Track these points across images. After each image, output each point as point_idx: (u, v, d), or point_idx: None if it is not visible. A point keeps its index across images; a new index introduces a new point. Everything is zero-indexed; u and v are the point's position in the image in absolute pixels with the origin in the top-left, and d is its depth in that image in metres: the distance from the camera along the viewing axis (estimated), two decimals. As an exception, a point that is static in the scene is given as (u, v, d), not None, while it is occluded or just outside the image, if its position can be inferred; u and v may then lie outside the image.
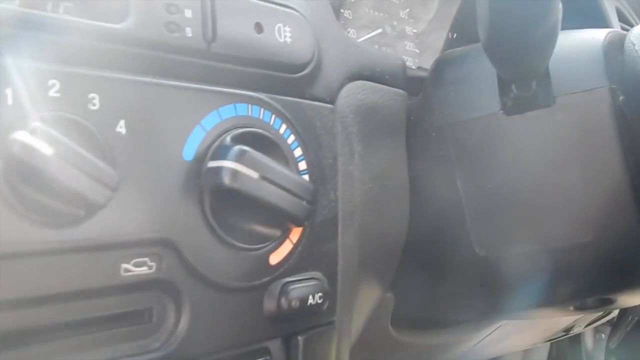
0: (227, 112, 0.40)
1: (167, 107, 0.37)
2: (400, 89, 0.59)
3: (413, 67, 0.89)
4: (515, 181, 0.55)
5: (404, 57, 0.87)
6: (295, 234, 0.43)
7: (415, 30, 0.90)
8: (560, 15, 0.43)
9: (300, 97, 0.46)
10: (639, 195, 0.51)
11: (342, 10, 0.81)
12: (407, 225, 0.57)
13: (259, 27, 0.42)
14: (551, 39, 0.45)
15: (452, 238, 0.57)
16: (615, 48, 0.54)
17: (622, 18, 0.86)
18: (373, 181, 0.54)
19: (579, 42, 0.54)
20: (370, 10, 0.85)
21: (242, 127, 0.40)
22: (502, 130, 0.55)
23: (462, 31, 0.96)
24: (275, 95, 0.44)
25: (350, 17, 0.82)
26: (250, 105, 0.41)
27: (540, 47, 0.45)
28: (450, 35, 0.92)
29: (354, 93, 0.52)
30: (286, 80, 0.45)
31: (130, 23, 0.36)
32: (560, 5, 0.42)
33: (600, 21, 0.84)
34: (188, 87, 0.38)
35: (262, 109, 0.42)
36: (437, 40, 0.94)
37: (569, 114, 0.53)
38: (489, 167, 0.56)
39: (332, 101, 0.49)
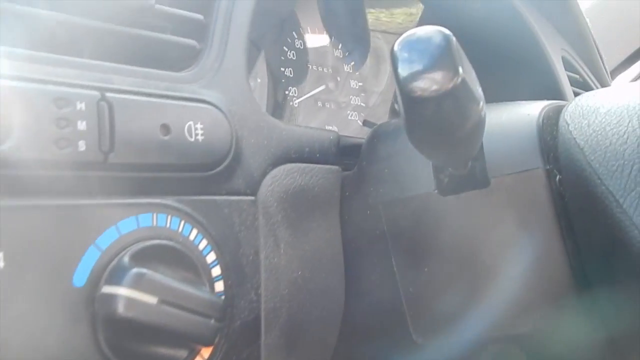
0: (128, 225, 0.37)
1: (55, 230, 0.34)
2: (333, 164, 0.56)
3: (359, 121, 0.87)
4: (452, 265, 0.53)
5: (349, 112, 0.85)
6: (207, 349, 0.40)
7: (360, 84, 0.89)
8: (483, 113, 0.41)
9: (215, 195, 0.43)
10: (579, 284, 0.49)
11: (282, 69, 0.79)
12: (342, 312, 0.54)
13: (165, 129, 0.39)
14: (476, 135, 0.43)
15: (389, 324, 0.54)
16: (550, 124, 0.53)
17: (569, 67, 0.86)
18: (303, 267, 0.51)
19: (514, 120, 0.53)
20: (313, 66, 0.83)
21: (144, 241, 0.37)
22: (437, 211, 0.53)
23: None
24: (187, 197, 0.41)
25: (291, 75, 0.80)
26: (155, 215, 0.38)
27: (464, 144, 0.44)
28: (395, 105, 0.90)
29: (280, 179, 0.49)
30: (199, 179, 0.42)
31: (12, 144, 0.32)
32: (482, 103, 0.40)
33: (548, 75, 0.83)
34: (80, 204, 0.35)
35: (169, 217, 0.39)
36: (386, 92, 0.92)
37: (505, 195, 0.51)
38: (424, 248, 0.54)
39: (253, 192, 0.47)
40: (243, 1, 0.49)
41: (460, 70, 0.36)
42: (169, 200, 0.39)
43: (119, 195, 0.37)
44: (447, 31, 0.37)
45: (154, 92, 0.40)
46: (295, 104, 0.79)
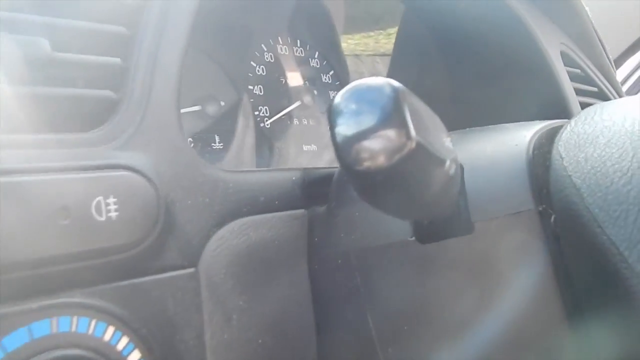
0: (16, 340, 0.30)
1: None
2: (298, 208, 0.49)
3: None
4: (434, 322, 0.46)
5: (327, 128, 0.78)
6: None
7: (341, 94, 0.81)
8: (452, 171, 0.34)
9: (140, 276, 0.36)
10: (575, 329, 0.42)
11: (250, 87, 0.71)
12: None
13: (64, 212, 0.32)
14: (448, 194, 0.36)
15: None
16: (542, 155, 0.45)
17: (568, 61, 0.78)
18: (265, 334, 0.45)
19: (501, 152, 0.45)
20: (286, 81, 0.75)
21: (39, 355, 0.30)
22: (416, 261, 0.46)
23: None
24: (100, 287, 0.34)
25: (261, 93, 0.72)
26: (54, 319, 0.32)
27: (433, 205, 0.36)
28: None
29: (228, 240, 0.43)
30: (116, 263, 0.35)
31: None
32: (449, 162, 0.33)
33: (546, 72, 0.75)
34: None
35: (74, 318, 0.33)
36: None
37: (492, 241, 0.44)
38: (402, 298, 0.47)
39: (192, 263, 0.40)
40: (172, 34, 0.42)
41: (412, 132, 0.28)
42: (75, 297, 0.33)
43: (10, 299, 0.31)
44: (395, 83, 0.29)
45: (50, 167, 0.33)
46: (267, 124, 0.72)
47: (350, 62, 0.81)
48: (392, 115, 0.28)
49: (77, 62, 0.37)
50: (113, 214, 0.34)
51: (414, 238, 0.46)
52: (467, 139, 0.48)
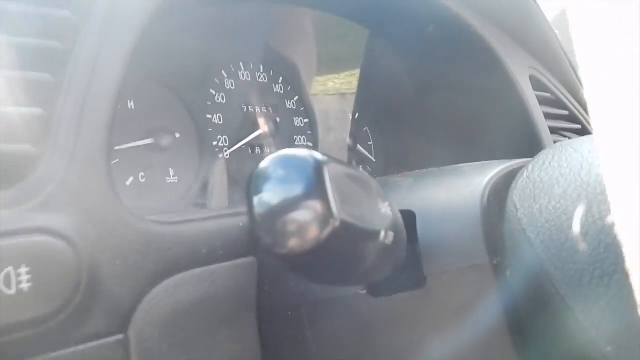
0: None
1: None
2: (246, 256, 0.46)
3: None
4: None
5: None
6: None
7: (306, 120, 0.78)
8: (388, 240, 0.31)
9: (62, 348, 0.34)
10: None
11: (208, 116, 0.69)
12: None
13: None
14: (388, 261, 0.34)
15: None
16: (498, 204, 0.43)
17: (538, 86, 0.76)
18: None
19: (455, 200, 0.43)
20: (247, 108, 0.73)
21: None
22: (368, 314, 0.44)
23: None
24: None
25: (220, 122, 0.70)
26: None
27: (374, 273, 0.34)
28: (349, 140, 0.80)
29: (163, 299, 0.40)
30: (31, 337, 0.32)
31: None
32: (384, 232, 0.30)
33: (514, 98, 0.73)
34: None
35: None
36: (341, 124, 0.82)
37: (445, 294, 0.42)
38: (352, 352, 0.45)
39: (121, 329, 0.37)
40: (103, 77, 0.39)
41: (335, 210, 0.26)
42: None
43: None
44: (318, 156, 0.27)
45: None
46: (226, 155, 0.69)
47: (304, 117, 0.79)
48: (313, 193, 0.26)
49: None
50: (25, 285, 0.31)
51: (365, 291, 0.44)
52: (421, 183, 0.46)
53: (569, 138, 0.77)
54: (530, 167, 0.43)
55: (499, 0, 0.71)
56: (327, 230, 0.25)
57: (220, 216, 0.45)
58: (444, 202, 0.43)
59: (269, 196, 0.26)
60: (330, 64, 0.82)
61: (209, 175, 0.66)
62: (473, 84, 0.74)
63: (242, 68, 0.73)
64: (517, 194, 0.41)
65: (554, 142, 0.73)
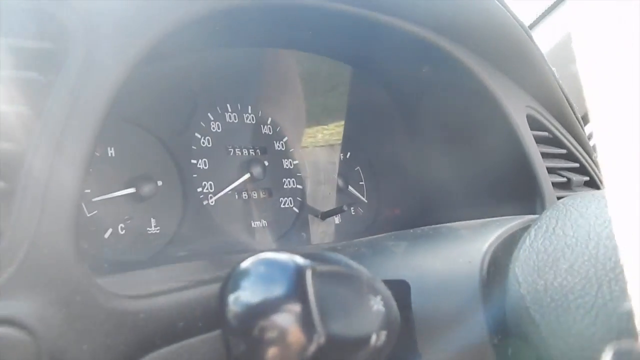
0: None
1: None
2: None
3: (295, 208, 0.74)
4: None
5: (282, 199, 0.72)
6: None
7: (296, 162, 0.76)
8: (381, 342, 0.28)
9: None
10: None
11: (193, 161, 0.66)
12: None
13: None
14: (383, 353, 0.30)
15: None
16: (497, 274, 0.40)
17: (535, 124, 0.74)
18: None
19: (451, 271, 0.40)
20: (234, 151, 0.70)
21: None
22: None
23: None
24: None
25: (206, 167, 0.67)
26: None
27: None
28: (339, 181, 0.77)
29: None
30: None
31: None
32: (375, 336, 0.27)
33: (511, 138, 0.70)
34: None
35: None
36: (331, 164, 0.79)
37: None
38: None
39: None
40: (70, 146, 0.36)
41: (318, 324, 0.23)
42: None
43: None
44: (300, 261, 0.24)
45: None
46: (211, 202, 0.66)
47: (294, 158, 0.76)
48: (294, 305, 0.23)
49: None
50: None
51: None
52: (415, 249, 0.43)
53: (567, 178, 0.74)
54: (532, 233, 0.40)
55: (495, 39, 0.69)
56: (312, 348, 0.22)
57: (199, 283, 0.42)
58: (440, 272, 0.40)
59: (247, 295, 0.24)
60: (317, 104, 0.79)
61: (190, 224, 0.63)
62: (469, 124, 0.72)
63: (229, 109, 0.70)
64: (519, 266, 0.38)
65: (552, 183, 0.70)
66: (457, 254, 0.41)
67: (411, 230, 0.47)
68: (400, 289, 0.38)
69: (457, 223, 0.47)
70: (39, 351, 0.31)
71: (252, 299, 0.24)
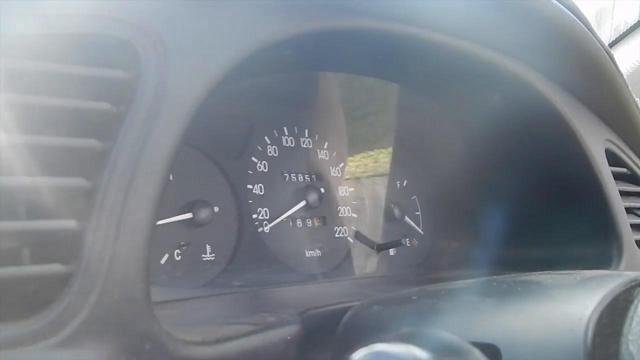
0: None
1: None
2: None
3: (349, 238, 0.71)
4: None
5: (337, 228, 0.70)
6: None
7: (351, 189, 0.73)
8: None
9: None
10: None
11: (249, 187, 0.64)
12: None
13: None
14: None
15: None
16: (605, 347, 0.36)
17: (614, 160, 0.69)
18: None
19: (550, 341, 0.36)
20: (291, 176, 0.67)
21: None
22: None
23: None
24: None
25: (261, 193, 0.65)
26: None
27: None
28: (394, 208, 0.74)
29: None
30: None
31: None
32: None
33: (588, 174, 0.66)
34: None
35: None
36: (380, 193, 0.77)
37: None
38: None
39: None
40: (142, 185, 0.34)
41: None
42: None
43: None
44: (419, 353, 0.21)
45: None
46: (266, 229, 0.64)
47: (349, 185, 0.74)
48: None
49: (23, 230, 0.30)
50: None
51: None
52: (504, 308, 0.39)
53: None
54: None
55: (576, 65, 0.64)
56: None
57: (264, 329, 0.40)
58: (535, 340, 0.36)
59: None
60: (373, 130, 0.76)
61: (246, 253, 0.61)
62: (541, 158, 0.68)
63: (286, 133, 0.68)
64: (633, 342, 0.34)
65: (630, 224, 0.66)
66: (554, 318, 0.37)
67: (494, 283, 0.44)
68: (489, 354, 0.34)
69: (541, 275, 0.44)
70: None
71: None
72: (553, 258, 0.63)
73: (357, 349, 0.41)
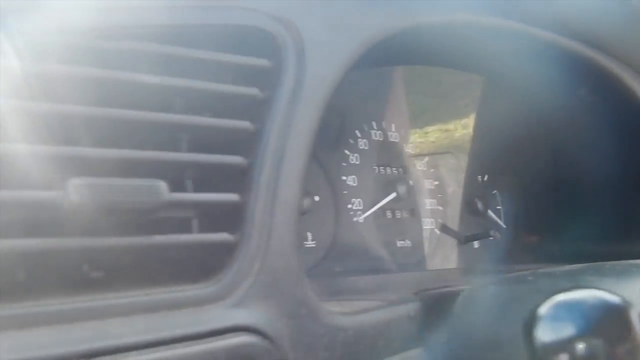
0: None
1: None
2: (414, 347, 0.43)
3: (436, 230, 0.73)
4: None
5: (424, 220, 0.72)
6: None
7: (437, 182, 0.75)
8: None
9: None
10: None
11: (343, 178, 0.66)
12: None
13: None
14: None
15: None
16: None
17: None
18: None
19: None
20: (380, 169, 0.70)
21: None
22: None
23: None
24: None
25: (355, 184, 0.67)
26: None
27: None
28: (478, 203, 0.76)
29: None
30: None
31: None
32: None
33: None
34: None
35: None
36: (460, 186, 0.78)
37: None
38: None
39: None
40: (290, 164, 0.37)
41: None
42: None
43: None
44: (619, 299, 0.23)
45: (164, 338, 0.28)
46: (361, 219, 0.66)
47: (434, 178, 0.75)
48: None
49: (192, 202, 0.33)
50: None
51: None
52: (630, 283, 0.41)
53: None
54: None
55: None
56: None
57: (390, 304, 0.42)
58: None
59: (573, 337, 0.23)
60: (458, 125, 0.78)
61: (342, 240, 0.63)
62: (628, 152, 0.68)
63: (375, 127, 0.71)
64: None
65: None
66: None
67: (607, 266, 0.45)
68: None
69: None
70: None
71: (579, 343, 0.23)
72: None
73: (477, 327, 0.42)
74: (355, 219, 0.65)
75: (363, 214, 0.66)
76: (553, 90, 0.71)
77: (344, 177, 0.66)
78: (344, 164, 0.67)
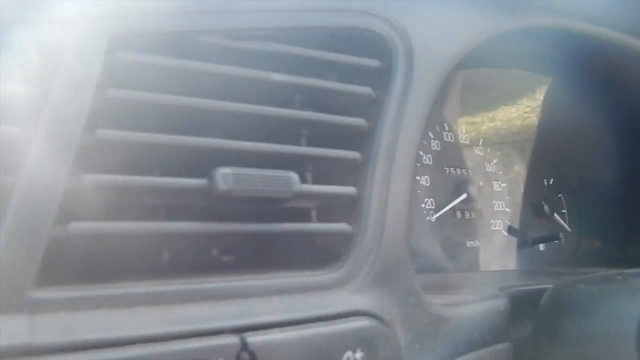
0: None
1: None
2: (502, 341, 0.44)
3: (504, 231, 0.74)
4: None
5: (493, 221, 0.73)
6: None
7: (504, 185, 0.76)
8: None
9: None
10: None
11: (417, 177, 0.68)
12: None
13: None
14: None
15: None
16: None
17: None
18: None
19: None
20: (450, 169, 0.71)
21: None
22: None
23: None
24: None
25: (427, 184, 0.69)
26: None
27: None
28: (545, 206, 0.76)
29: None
30: None
31: None
32: None
33: None
34: None
35: None
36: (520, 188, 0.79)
37: None
38: None
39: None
40: (401, 160, 0.39)
41: None
42: None
43: None
44: None
45: (299, 318, 0.30)
46: (433, 218, 0.67)
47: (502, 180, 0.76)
48: None
49: (317, 193, 0.35)
50: (361, 372, 0.31)
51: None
52: None
53: None
54: None
55: None
56: None
57: (482, 299, 0.44)
58: None
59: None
60: (525, 127, 0.79)
61: (416, 239, 0.65)
62: None
63: (447, 129, 0.72)
64: None
65: None
66: None
67: None
68: None
69: None
70: (399, 347, 0.33)
71: None
72: None
73: (569, 323, 0.44)
74: (427, 218, 0.67)
75: (435, 213, 0.68)
76: (620, 92, 0.71)
77: (417, 177, 0.68)
78: (418, 165, 0.69)
